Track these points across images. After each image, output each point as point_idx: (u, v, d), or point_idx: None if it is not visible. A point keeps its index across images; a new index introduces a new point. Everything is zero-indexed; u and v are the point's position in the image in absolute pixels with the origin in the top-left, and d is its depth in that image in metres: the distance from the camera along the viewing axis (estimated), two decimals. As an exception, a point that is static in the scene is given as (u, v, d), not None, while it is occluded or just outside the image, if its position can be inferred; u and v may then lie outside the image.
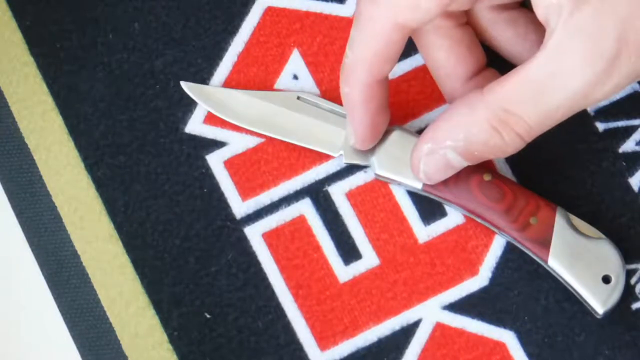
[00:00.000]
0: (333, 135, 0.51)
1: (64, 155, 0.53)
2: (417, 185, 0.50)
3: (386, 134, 0.50)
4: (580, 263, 0.48)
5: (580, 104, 0.44)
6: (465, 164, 0.47)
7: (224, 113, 0.52)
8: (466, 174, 0.49)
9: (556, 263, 0.49)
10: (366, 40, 0.46)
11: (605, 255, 0.49)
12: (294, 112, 0.52)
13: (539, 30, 0.48)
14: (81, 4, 0.54)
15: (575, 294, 0.49)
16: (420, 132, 0.52)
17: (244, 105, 0.52)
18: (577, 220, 0.49)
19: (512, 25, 0.49)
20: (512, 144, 0.45)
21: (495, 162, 0.52)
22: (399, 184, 0.51)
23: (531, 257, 0.50)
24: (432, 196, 0.50)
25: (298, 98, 0.52)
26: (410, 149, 0.49)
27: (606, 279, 0.48)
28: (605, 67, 0.43)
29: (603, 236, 0.49)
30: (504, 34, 0.49)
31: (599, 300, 0.48)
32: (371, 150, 0.50)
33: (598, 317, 0.49)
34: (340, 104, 0.50)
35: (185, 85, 0.53)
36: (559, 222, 0.49)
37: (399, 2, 0.44)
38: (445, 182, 0.49)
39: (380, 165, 0.50)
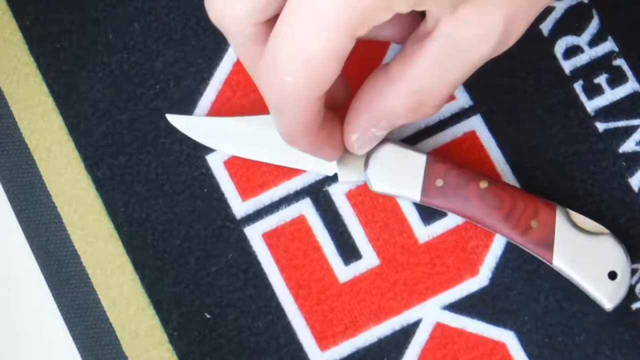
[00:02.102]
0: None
1: (64, 155, 0.53)
2: (415, 197, 0.50)
3: (378, 149, 0.50)
4: (585, 261, 0.49)
5: (482, 63, 0.45)
6: (392, 129, 0.48)
7: (213, 143, 0.52)
8: (463, 183, 0.49)
9: (561, 263, 0.49)
10: (290, 122, 0.45)
11: (609, 250, 0.49)
12: None
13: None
14: (81, 4, 0.54)
15: (583, 291, 0.49)
16: (409, 141, 0.52)
17: (234, 133, 0.52)
18: (577, 217, 0.49)
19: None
20: (430, 112, 0.46)
21: (495, 162, 0.52)
22: (397, 196, 0.51)
23: (531, 257, 0.50)
24: (431, 206, 0.50)
25: None
26: (404, 161, 0.50)
27: (612, 275, 0.48)
28: (499, 40, 0.44)
29: (605, 230, 0.49)
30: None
31: (606, 297, 0.48)
32: (365, 167, 0.50)
33: (607, 311, 0.49)
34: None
35: (171, 118, 0.52)
36: (560, 221, 0.49)
37: (302, 85, 0.43)
38: (443, 193, 0.49)
39: (375, 181, 0.50)
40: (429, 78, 0.45)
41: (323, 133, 0.47)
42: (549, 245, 0.49)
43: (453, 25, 0.43)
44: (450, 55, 0.44)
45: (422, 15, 0.45)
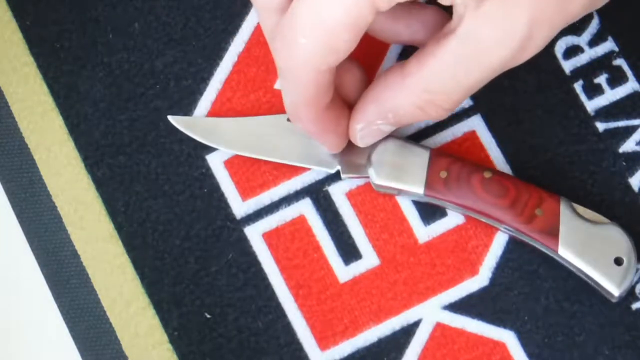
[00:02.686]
0: (327, 151, 0.51)
1: (64, 155, 0.53)
2: (419, 190, 0.50)
3: (381, 144, 0.50)
4: (591, 249, 0.49)
5: (498, 73, 0.45)
6: (397, 126, 0.49)
7: (216, 142, 0.52)
8: (467, 174, 0.49)
9: (567, 252, 0.49)
10: (297, 91, 0.46)
11: (614, 238, 0.49)
12: (285, 134, 0.51)
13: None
14: (81, 4, 0.54)
15: (589, 280, 0.49)
16: (412, 137, 0.52)
17: (234, 132, 0.52)
18: (580, 209, 0.49)
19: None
20: (439, 115, 0.47)
21: (496, 162, 0.52)
22: (399, 192, 0.51)
23: (531, 256, 0.50)
24: (435, 201, 0.50)
25: (288, 120, 0.52)
26: (407, 155, 0.50)
27: (618, 261, 0.48)
28: (519, 45, 0.44)
29: (608, 221, 0.49)
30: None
31: (614, 283, 0.48)
32: (368, 162, 0.50)
33: (614, 300, 0.49)
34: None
35: (172, 119, 0.53)
36: (564, 211, 0.49)
37: (314, 50, 0.43)
38: (446, 185, 0.49)
39: (378, 176, 0.50)
40: (443, 77, 0.45)
41: (329, 115, 0.47)
42: (554, 233, 0.49)
43: (476, 21, 0.43)
44: (469, 55, 0.44)
45: (447, 17, 0.45)
